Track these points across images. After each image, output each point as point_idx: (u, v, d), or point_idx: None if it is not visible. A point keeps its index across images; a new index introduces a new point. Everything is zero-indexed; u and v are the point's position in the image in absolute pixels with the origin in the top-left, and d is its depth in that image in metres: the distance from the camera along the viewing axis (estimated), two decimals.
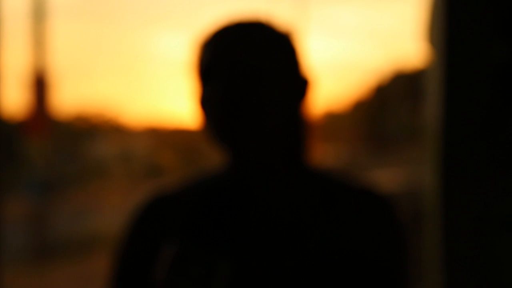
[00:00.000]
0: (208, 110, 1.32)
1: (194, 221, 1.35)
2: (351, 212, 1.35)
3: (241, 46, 1.31)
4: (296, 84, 1.35)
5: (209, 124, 1.32)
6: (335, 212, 1.35)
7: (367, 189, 1.38)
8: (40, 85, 11.65)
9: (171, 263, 1.27)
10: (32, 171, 12.25)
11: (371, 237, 1.34)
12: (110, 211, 16.18)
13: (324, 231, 1.32)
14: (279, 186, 1.35)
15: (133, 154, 32.27)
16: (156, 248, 1.34)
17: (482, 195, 1.98)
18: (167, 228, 1.35)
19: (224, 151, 1.34)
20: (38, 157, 11.98)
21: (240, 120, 1.29)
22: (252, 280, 1.30)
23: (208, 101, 1.32)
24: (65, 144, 26.94)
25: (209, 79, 1.33)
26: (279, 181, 1.35)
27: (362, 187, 1.38)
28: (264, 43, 1.33)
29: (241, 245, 1.31)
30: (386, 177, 11.85)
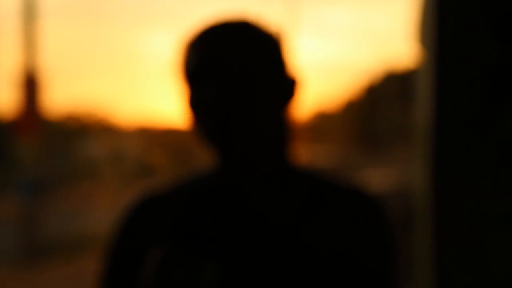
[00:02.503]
0: (197, 112, 1.31)
1: (182, 223, 1.34)
2: (339, 212, 1.35)
3: (227, 47, 1.31)
4: (284, 84, 1.35)
5: (198, 125, 1.32)
6: (323, 213, 1.35)
7: (355, 189, 1.38)
8: (31, 85, 11.62)
9: (158, 265, 1.27)
10: (23, 171, 12.21)
11: (359, 237, 1.34)
12: (101, 211, 16.15)
13: (312, 232, 1.32)
14: (267, 187, 1.35)
15: (124, 154, 32.24)
16: (146, 249, 1.34)
17: (473, 194, 1.99)
18: (157, 229, 1.35)
19: (213, 152, 1.34)
20: (29, 157, 11.95)
21: (228, 122, 1.28)
22: (239, 282, 1.29)
23: (196, 104, 1.31)
24: (56, 144, 26.90)
25: (197, 81, 1.32)
26: (267, 182, 1.35)
27: (350, 187, 1.38)
28: (251, 43, 1.32)
29: (228, 246, 1.31)
30: (378, 177, 11.87)
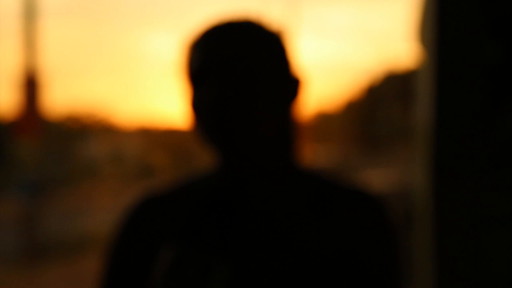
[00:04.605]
0: (200, 112, 1.31)
1: (189, 223, 1.34)
2: (342, 213, 1.35)
3: (231, 46, 1.30)
4: (287, 84, 1.34)
5: (201, 126, 1.32)
6: (327, 213, 1.34)
7: (358, 189, 1.38)
8: (31, 85, 11.61)
9: (168, 266, 1.27)
10: (23, 172, 12.21)
11: (363, 238, 1.34)
12: (101, 211, 16.15)
13: (315, 232, 1.32)
14: (271, 187, 1.34)
15: (125, 155, 32.25)
16: (147, 249, 1.34)
17: (473, 194, 1.99)
18: (159, 229, 1.35)
19: (215, 152, 1.33)
20: (29, 157, 11.95)
21: (232, 122, 1.28)
22: (248, 281, 1.29)
23: (199, 104, 1.31)
24: (56, 145, 26.90)
25: (200, 81, 1.31)
26: (271, 182, 1.34)
27: (353, 187, 1.38)
28: (255, 42, 1.32)
29: (236, 246, 1.31)
30: (378, 177, 11.86)
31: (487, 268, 1.97)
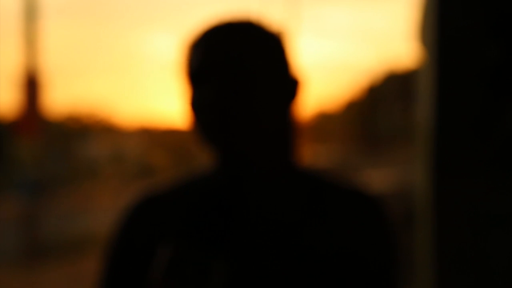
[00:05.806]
0: (199, 111, 1.31)
1: (187, 222, 1.34)
2: (340, 213, 1.35)
3: (230, 47, 1.31)
4: (287, 84, 1.35)
5: (200, 125, 1.32)
6: (325, 213, 1.35)
7: (356, 189, 1.38)
8: (31, 85, 11.62)
9: (167, 264, 1.27)
10: (23, 171, 12.22)
11: (361, 238, 1.34)
12: (102, 211, 16.16)
13: (314, 232, 1.33)
14: (269, 187, 1.35)
15: (125, 154, 32.27)
16: (147, 248, 1.34)
17: (473, 194, 1.99)
18: (158, 228, 1.35)
19: (214, 152, 1.34)
20: (30, 157, 11.95)
21: (231, 122, 1.28)
22: (247, 279, 1.30)
23: (198, 103, 1.31)
24: (56, 144, 26.92)
25: (199, 81, 1.32)
26: (269, 182, 1.35)
27: (352, 187, 1.38)
28: (254, 43, 1.32)
29: (235, 245, 1.32)
30: (378, 177, 11.87)
31: (487, 268, 1.98)
